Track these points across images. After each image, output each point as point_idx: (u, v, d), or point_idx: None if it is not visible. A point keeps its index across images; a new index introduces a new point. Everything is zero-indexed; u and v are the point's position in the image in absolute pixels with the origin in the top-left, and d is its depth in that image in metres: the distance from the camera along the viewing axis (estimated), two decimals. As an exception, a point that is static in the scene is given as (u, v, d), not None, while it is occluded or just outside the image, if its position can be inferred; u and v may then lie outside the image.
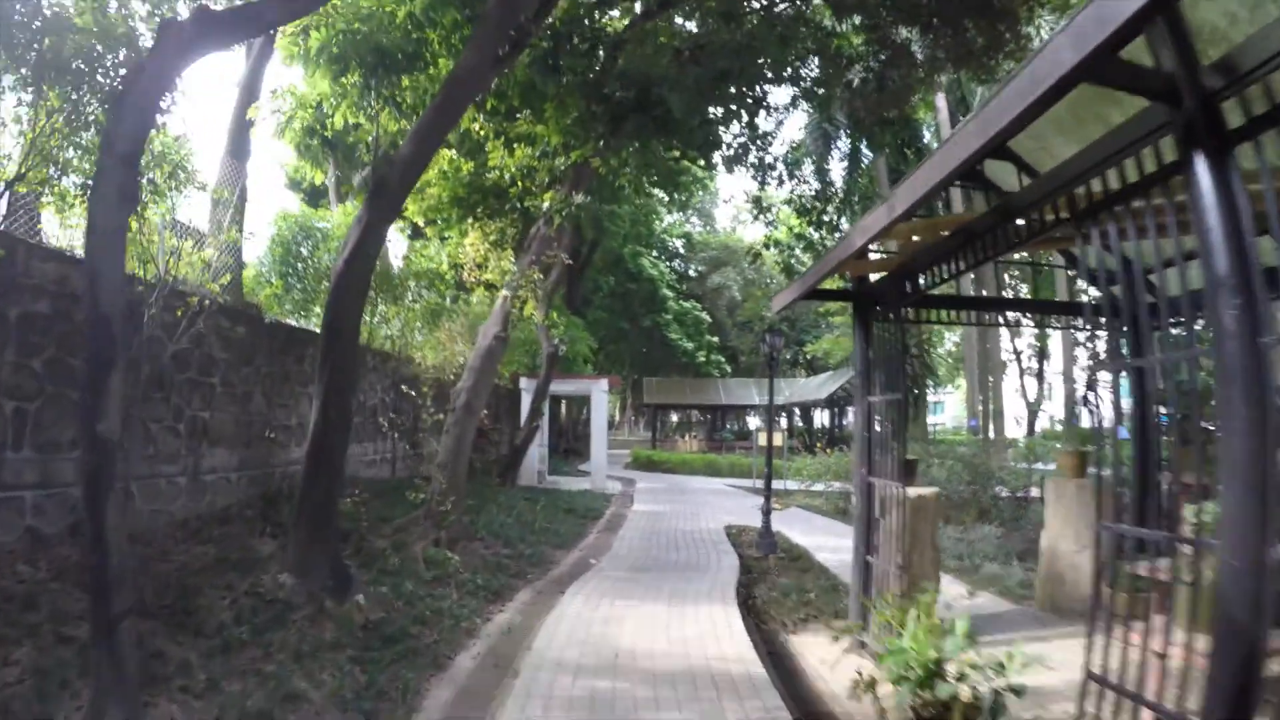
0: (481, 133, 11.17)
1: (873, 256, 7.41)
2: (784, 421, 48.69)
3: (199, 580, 7.32)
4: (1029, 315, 9.08)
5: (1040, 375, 43.26)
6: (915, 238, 6.43)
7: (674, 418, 58.31)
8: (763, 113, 12.79)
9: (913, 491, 6.85)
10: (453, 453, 10.03)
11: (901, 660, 5.11)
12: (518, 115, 11.33)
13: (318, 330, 14.11)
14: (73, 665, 4.84)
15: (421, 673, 5.97)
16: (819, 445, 36.71)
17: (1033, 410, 42.73)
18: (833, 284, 8.24)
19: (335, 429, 7.23)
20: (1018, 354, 43.69)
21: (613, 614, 7.80)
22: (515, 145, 11.12)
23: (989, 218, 5.64)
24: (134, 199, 4.39)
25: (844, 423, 49.79)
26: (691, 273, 50.21)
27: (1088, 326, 9.11)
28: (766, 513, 12.07)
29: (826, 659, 6.65)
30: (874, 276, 7.57)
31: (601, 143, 10.38)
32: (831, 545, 12.90)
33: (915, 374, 36.52)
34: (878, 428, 7.19)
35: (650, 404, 43.33)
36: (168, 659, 5.40)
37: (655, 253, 43.91)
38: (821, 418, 51.09)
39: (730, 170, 27.38)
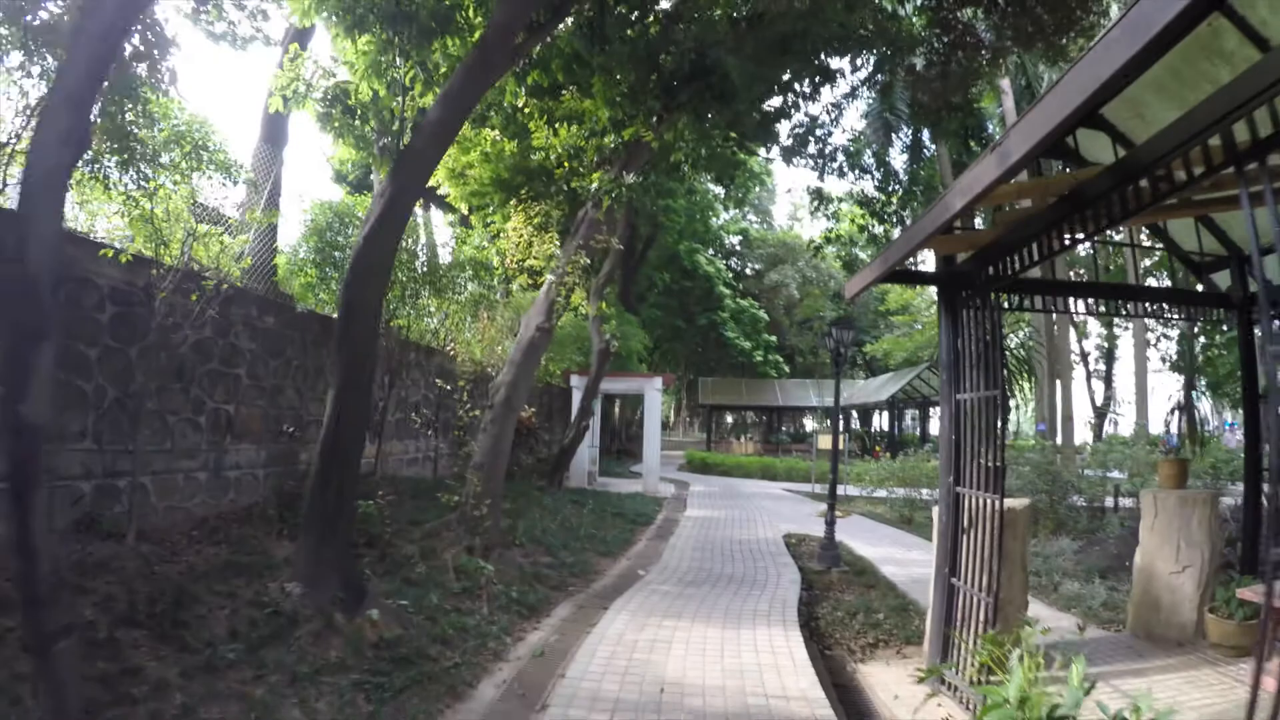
0: (526, 110, 10.43)
1: (959, 234, 6.43)
2: (841, 424, 47.34)
3: (200, 586, 6.66)
4: (1147, 304, 7.91)
5: (1108, 377, 41.20)
6: (1023, 202, 5.43)
7: (729, 419, 57.23)
8: (823, 94, 11.81)
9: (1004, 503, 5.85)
10: (490, 453, 9.25)
11: (1007, 716, 4.13)
12: (563, 91, 10.55)
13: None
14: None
15: (435, 703, 5.18)
16: (877, 449, 35.44)
17: (1100, 414, 40.71)
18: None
19: (350, 424, 6.50)
20: (1084, 355, 41.71)
21: (659, 636, 6.92)
22: (561, 124, 10.32)
23: (1106, 178, 4.64)
24: (81, 144, 3.66)
25: (904, 426, 48.27)
26: (748, 271, 49.08)
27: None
28: (830, 522, 11.08)
29: (904, 698, 5.71)
30: (962, 257, 6.58)
31: (655, 118, 9.49)
32: (898, 558, 11.90)
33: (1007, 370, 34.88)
34: (955, 429, 6.21)
35: (705, 404, 42.33)
36: (144, 676, 4.68)
37: (711, 250, 42.92)
38: (880, 420, 49.57)
39: (789, 162, 26.48)
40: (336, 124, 7.70)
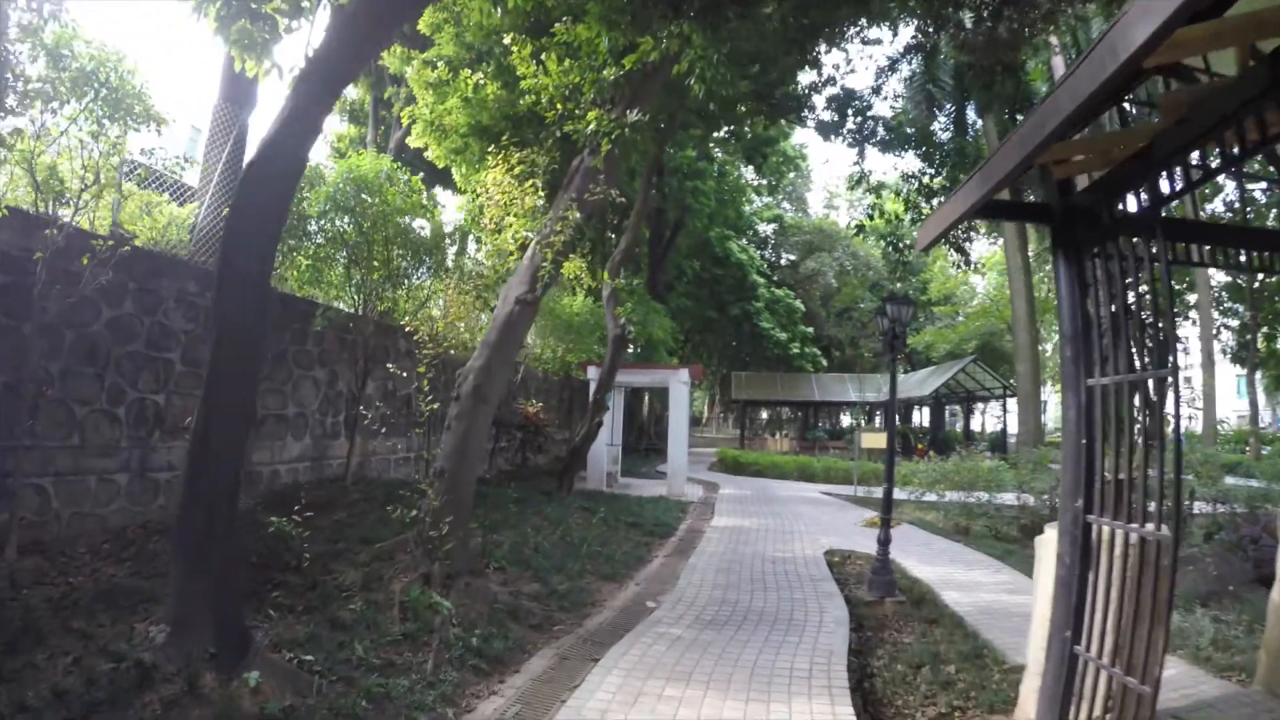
0: (512, 46, 8.57)
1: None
2: (878, 420, 45.02)
3: (57, 621, 4.99)
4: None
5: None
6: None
7: (764, 415, 55.06)
8: (861, 65, 9.87)
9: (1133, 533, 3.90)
10: (455, 455, 7.41)
11: None
12: (552, 28, 8.68)
13: (320, 300, 11.80)
14: None
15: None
16: (920, 447, 33.11)
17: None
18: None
19: (225, 420, 4.69)
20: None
21: (658, 712, 5.02)
22: (551, 57, 8.43)
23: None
24: None
25: (947, 422, 45.83)
26: (783, 261, 46.90)
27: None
28: (884, 542, 9.08)
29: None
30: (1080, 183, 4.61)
31: (663, 31, 7.54)
32: (960, 580, 9.95)
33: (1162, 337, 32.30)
34: (1087, 429, 4.25)
35: (739, 400, 40.25)
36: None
37: (744, 239, 40.83)
38: (920, 417, 47.15)
39: (826, 137, 24.42)
40: (246, 40, 5.88)
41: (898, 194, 23.57)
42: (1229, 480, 13.98)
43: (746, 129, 28.15)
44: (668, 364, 20.54)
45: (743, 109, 22.45)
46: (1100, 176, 4.41)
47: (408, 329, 8.92)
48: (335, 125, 24.59)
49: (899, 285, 40.10)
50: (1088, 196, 4.50)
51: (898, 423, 43.72)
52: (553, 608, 7.53)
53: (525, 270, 7.88)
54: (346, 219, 10.46)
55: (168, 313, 8.38)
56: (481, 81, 9.70)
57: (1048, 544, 5.15)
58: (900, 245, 21.91)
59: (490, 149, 8.57)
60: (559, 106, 8.40)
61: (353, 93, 23.06)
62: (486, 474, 16.00)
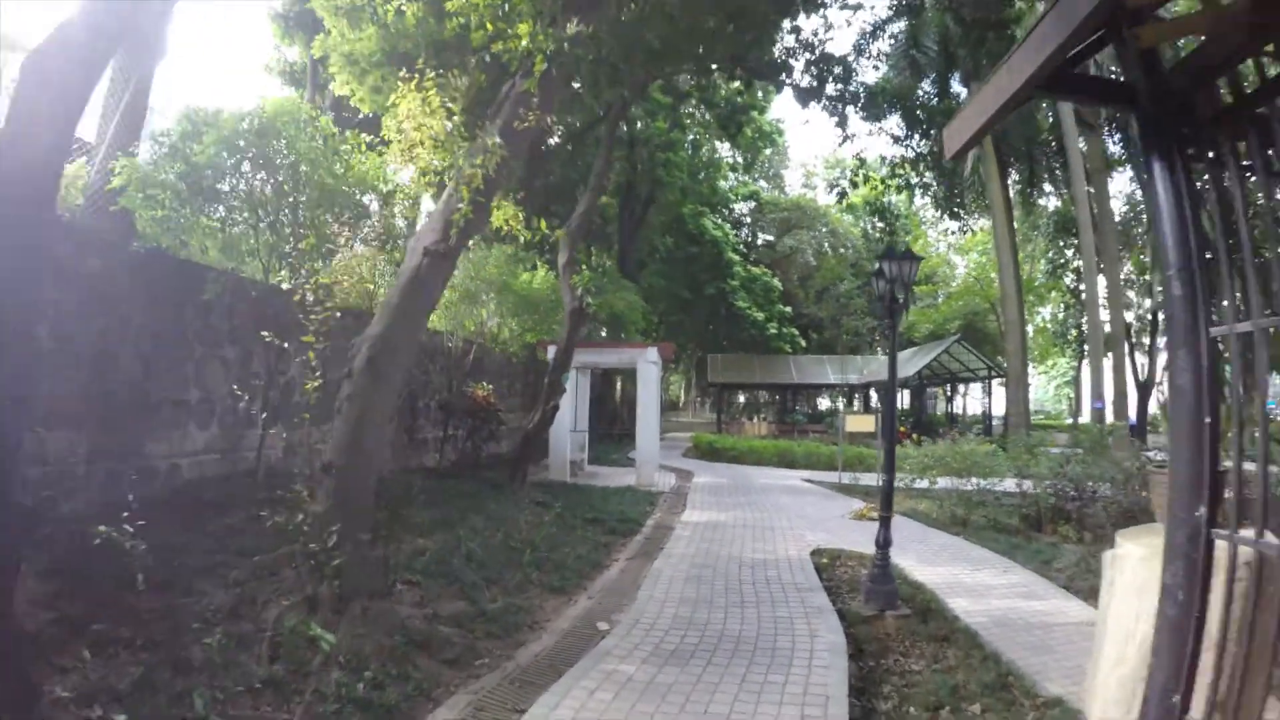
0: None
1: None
2: (856, 403, 43.84)
3: None
4: None
5: (1152, 350, 37.43)
6: None
7: (741, 398, 53.75)
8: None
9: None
10: (347, 446, 5.91)
11: None
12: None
13: (234, 267, 10.18)
14: None
15: None
16: (903, 430, 31.84)
17: (1144, 390, 36.99)
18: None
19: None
20: (1126, 325, 37.95)
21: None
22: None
23: None
24: None
25: (927, 405, 44.67)
26: (760, 242, 45.48)
27: None
28: (884, 545, 7.68)
29: None
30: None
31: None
32: (967, 583, 8.63)
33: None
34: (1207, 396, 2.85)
35: (715, 383, 38.81)
36: None
37: (719, 217, 39.36)
38: (901, 400, 45.97)
39: (805, 103, 22.90)
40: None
41: (881, 177, 22.34)
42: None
43: (720, 92, 26.71)
44: (634, 341, 19.05)
45: (714, 65, 20.94)
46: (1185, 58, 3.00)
47: (293, 289, 7.31)
48: (271, 89, 22.79)
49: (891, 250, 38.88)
50: (1191, 68, 3.07)
51: (879, 406, 42.45)
52: (478, 634, 6.07)
53: (438, 215, 6.38)
54: (262, 175, 8.86)
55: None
56: (402, 7, 8.15)
57: (1124, 562, 3.78)
58: (887, 214, 20.63)
59: (403, 75, 7.01)
60: (488, 26, 6.87)
61: (293, 54, 21.29)
62: (438, 464, 14.51)
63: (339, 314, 6.15)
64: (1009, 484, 13.87)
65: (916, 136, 21.76)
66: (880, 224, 49.00)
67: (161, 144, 9.30)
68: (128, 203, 8.29)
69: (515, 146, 6.58)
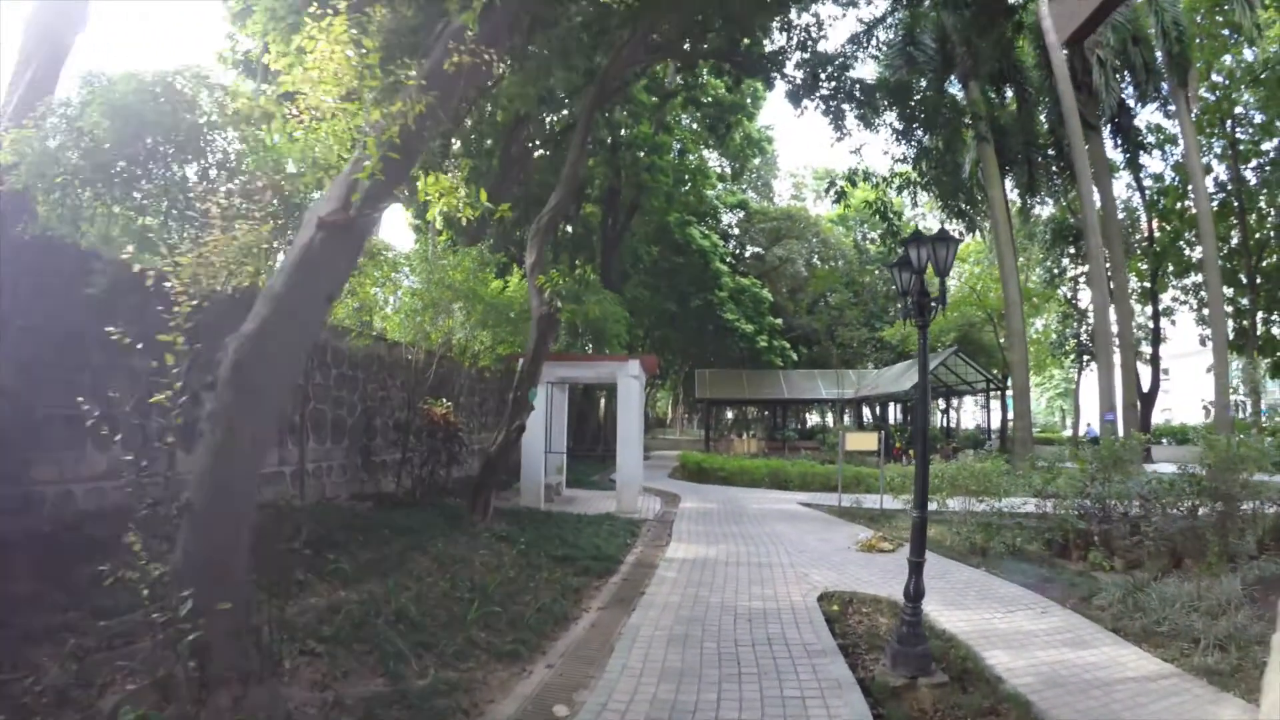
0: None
1: None
2: (848, 419, 42.39)
3: None
4: None
5: (1155, 359, 36.21)
6: None
7: (729, 414, 52.19)
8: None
9: None
10: (209, 480, 4.34)
11: None
12: None
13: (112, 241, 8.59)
14: None
15: None
16: (897, 446, 30.39)
17: (1147, 401, 35.72)
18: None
19: None
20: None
21: None
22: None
23: None
24: None
25: (933, 419, 43.05)
26: (749, 254, 44.10)
27: None
28: (916, 597, 6.14)
29: None
30: None
31: None
32: (1003, 630, 7.24)
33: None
34: None
35: (703, 399, 37.28)
36: None
37: (706, 226, 38.00)
38: (894, 413, 44.52)
39: (797, 103, 21.64)
40: None
41: (881, 176, 21.09)
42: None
43: (707, 92, 25.38)
44: (614, 354, 17.50)
45: (701, 57, 19.65)
46: None
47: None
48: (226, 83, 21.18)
49: (893, 254, 37.52)
50: None
51: (871, 419, 40.85)
52: (391, 732, 4.52)
53: (341, 178, 4.86)
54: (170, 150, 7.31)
55: None
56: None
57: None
58: (889, 213, 19.25)
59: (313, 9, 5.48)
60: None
61: (249, 43, 19.71)
62: (397, 490, 12.92)
63: (206, 303, 4.63)
64: (1021, 503, 12.54)
65: (918, 131, 20.49)
66: (873, 231, 47.89)
67: (59, 115, 7.77)
68: (17, 181, 6.76)
69: (446, 93, 5.08)
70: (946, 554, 11.50)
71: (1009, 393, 37.00)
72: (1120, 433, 23.39)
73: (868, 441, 17.19)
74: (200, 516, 4.26)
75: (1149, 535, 10.46)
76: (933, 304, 6.38)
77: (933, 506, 13.87)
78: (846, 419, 42.11)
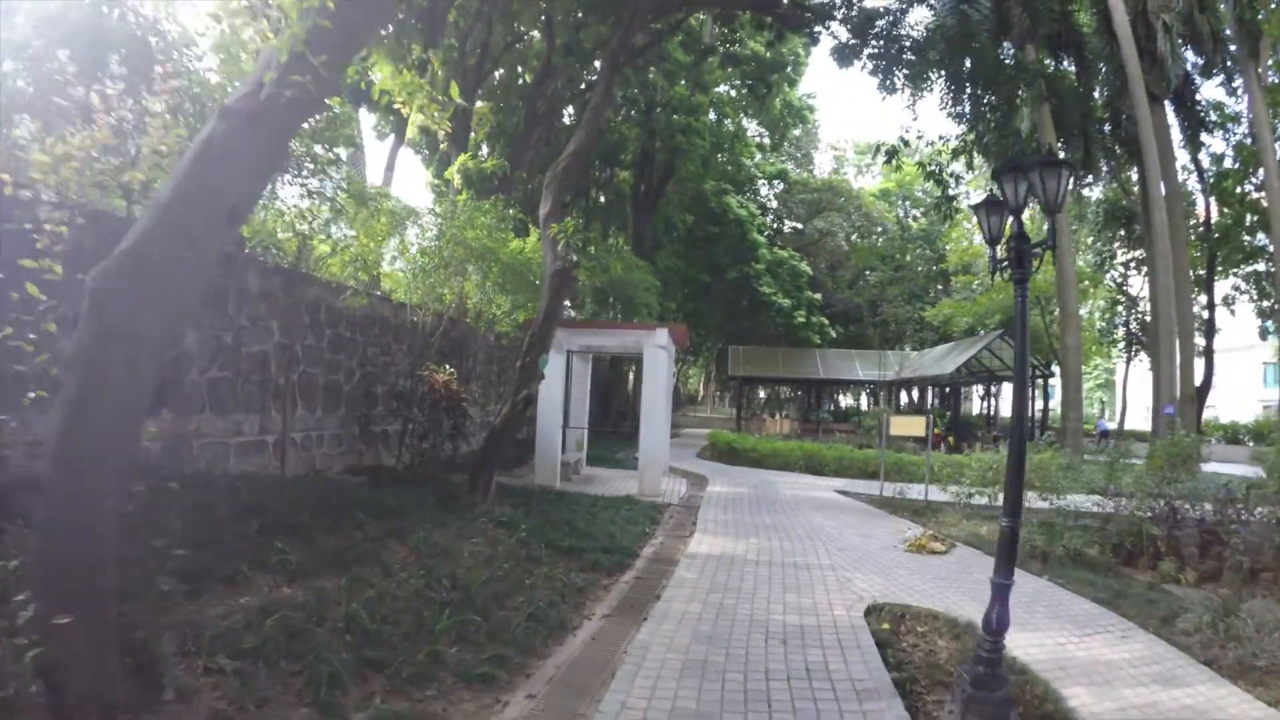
0: None
1: None
2: (884, 402, 40.75)
3: None
4: None
5: (1209, 352, 34.09)
6: None
7: (761, 393, 50.63)
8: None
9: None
10: (63, 446, 3.11)
11: None
12: None
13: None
14: None
15: None
16: (936, 432, 28.73)
17: (1199, 395, 33.63)
18: None
19: None
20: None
21: None
22: None
23: None
24: None
25: (967, 405, 41.50)
26: (786, 228, 42.39)
27: None
28: (998, 629, 4.80)
29: None
30: None
31: None
32: (1082, 660, 6.27)
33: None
34: None
35: (735, 377, 35.81)
36: None
37: (744, 196, 36.36)
38: (930, 398, 42.71)
39: (844, 63, 20.10)
40: None
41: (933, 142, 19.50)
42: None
43: (747, 48, 23.79)
44: (640, 322, 16.15)
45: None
46: None
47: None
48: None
49: (942, 226, 35.63)
50: None
51: (908, 403, 39.16)
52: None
53: (262, 58, 3.59)
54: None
55: None
56: None
57: None
58: (943, 175, 17.60)
59: None
60: None
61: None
62: (396, 464, 11.79)
63: (81, 220, 3.44)
64: (1080, 500, 11.27)
65: (972, 90, 18.81)
66: (917, 209, 45.94)
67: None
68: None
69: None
70: (992, 551, 10.10)
71: (1053, 380, 35.29)
72: (1167, 428, 21.75)
73: (913, 426, 15.74)
74: (51, 495, 3.05)
75: (1232, 545, 9.10)
76: (1036, 250, 4.95)
77: (981, 501, 12.55)
78: (884, 402, 40.52)
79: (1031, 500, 11.89)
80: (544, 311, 9.92)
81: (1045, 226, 7.59)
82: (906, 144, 17.71)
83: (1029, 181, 5.10)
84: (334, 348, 11.69)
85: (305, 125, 8.77)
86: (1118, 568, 9.96)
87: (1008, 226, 5.36)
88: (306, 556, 6.20)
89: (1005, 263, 5.23)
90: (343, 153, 10.39)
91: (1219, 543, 9.49)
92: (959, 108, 20.62)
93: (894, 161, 18.35)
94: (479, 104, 23.22)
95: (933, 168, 17.00)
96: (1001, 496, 12.16)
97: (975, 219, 5.68)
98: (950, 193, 18.39)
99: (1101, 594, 8.25)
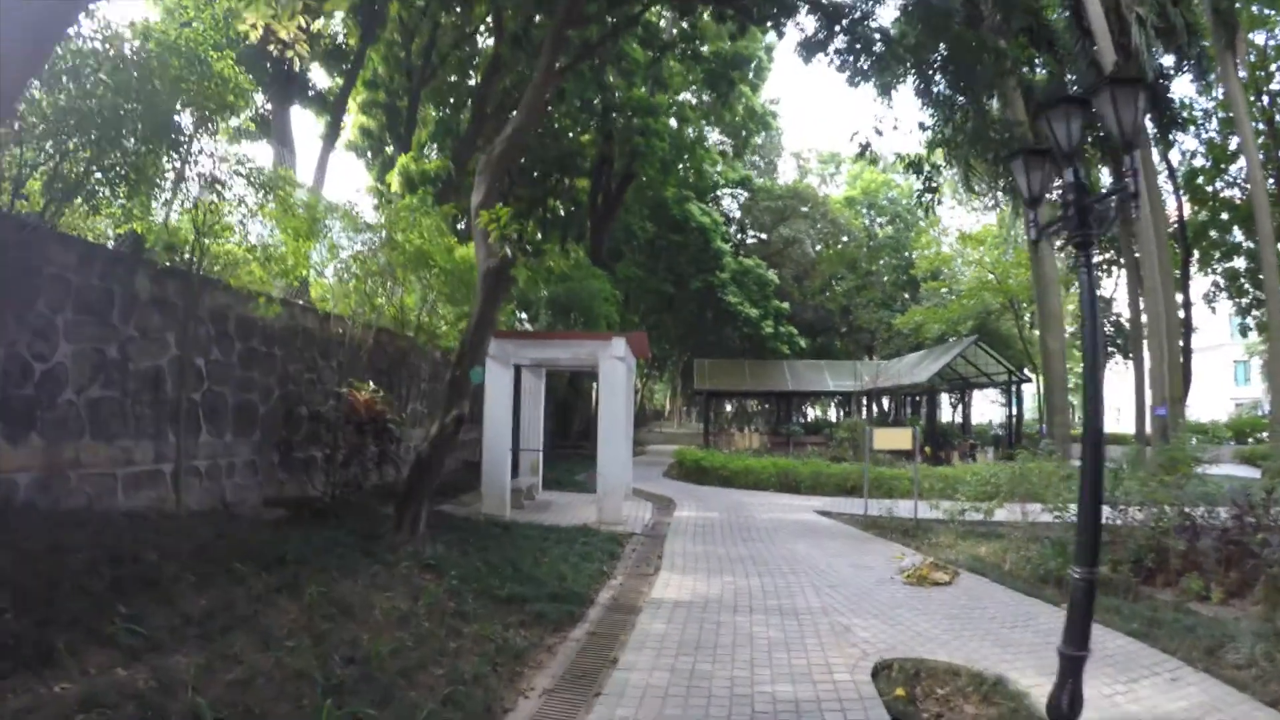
0: None
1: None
2: (861, 411, 39.69)
3: None
4: None
5: (1186, 352, 33.46)
6: None
7: (728, 407, 49.29)
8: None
9: None
10: None
11: None
12: None
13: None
14: None
15: None
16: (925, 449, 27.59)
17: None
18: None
19: None
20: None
21: None
22: None
23: None
24: None
25: (936, 414, 40.46)
26: (749, 239, 41.31)
27: None
28: (1069, 711, 3.46)
29: None
30: None
31: None
32: (1135, 715, 4.73)
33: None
34: None
35: (702, 390, 34.43)
36: None
37: (707, 204, 35.18)
38: (894, 407, 41.66)
39: (808, 57, 19.32)
40: None
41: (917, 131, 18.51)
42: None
43: (707, 44, 22.67)
44: (595, 332, 14.70)
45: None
46: None
47: None
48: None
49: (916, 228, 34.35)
50: None
51: (877, 412, 38.10)
52: None
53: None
54: None
55: None
56: None
57: None
58: (924, 168, 16.51)
59: None
60: None
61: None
62: (321, 494, 10.27)
63: None
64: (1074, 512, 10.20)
65: (944, 83, 17.85)
66: (881, 216, 45.18)
67: None
68: None
69: None
70: (1012, 583, 8.89)
71: (1025, 386, 34.48)
72: (1159, 431, 20.88)
73: (899, 439, 14.45)
74: None
75: (1264, 558, 8.07)
76: (1113, 202, 3.66)
77: (975, 517, 11.39)
78: (855, 413, 39.49)
79: (1036, 513, 10.78)
80: (476, 316, 8.47)
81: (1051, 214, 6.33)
82: (880, 133, 16.61)
83: (1083, 118, 3.82)
84: (247, 363, 10.20)
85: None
86: (1137, 587, 8.85)
87: (1057, 180, 4.08)
88: (163, 623, 4.75)
89: (1056, 226, 3.94)
90: (269, 154, 8.94)
91: (1246, 554, 8.47)
92: (931, 99, 19.66)
93: (867, 154, 17.22)
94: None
95: (913, 159, 15.88)
96: (1000, 512, 11.03)
97: (978, 201, 4.39)
98: (932, 184, 17.35)
99: (1133, 624, 7.13)
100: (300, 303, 11.68)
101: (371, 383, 10.13)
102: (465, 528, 10.08)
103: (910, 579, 8.69)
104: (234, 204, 8.99)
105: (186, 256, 8.93)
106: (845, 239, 38.43)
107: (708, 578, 8.52)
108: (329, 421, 9.83)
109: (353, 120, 23.05)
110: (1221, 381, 52.13)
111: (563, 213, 30.66)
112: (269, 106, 16.94)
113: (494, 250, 8.30)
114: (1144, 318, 29.83)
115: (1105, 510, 10.55)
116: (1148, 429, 30.76)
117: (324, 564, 6.79)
